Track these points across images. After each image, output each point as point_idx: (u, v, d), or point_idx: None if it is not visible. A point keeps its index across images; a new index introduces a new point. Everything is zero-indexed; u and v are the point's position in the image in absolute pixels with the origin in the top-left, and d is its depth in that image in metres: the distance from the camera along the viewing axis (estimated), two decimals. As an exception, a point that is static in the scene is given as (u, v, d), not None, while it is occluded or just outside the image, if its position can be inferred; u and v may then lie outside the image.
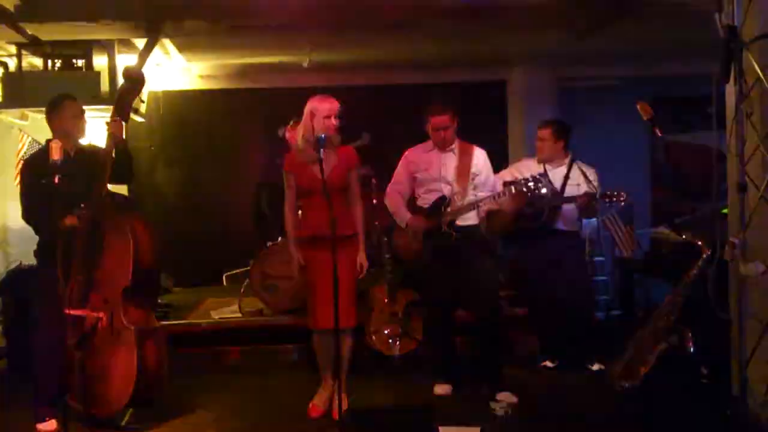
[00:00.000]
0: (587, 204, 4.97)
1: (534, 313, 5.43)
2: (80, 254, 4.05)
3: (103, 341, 4.09)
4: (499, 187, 4.82)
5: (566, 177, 5.15)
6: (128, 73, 4.38)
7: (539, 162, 5.25)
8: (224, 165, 8.11)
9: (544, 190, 4.62)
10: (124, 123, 4.26)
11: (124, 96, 4.33)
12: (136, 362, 4.03)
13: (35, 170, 4.12)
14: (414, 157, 4.78)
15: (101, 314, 4.08)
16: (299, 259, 4.28)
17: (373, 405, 4.49)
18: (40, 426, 4.18)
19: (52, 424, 4.16)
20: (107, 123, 4.25)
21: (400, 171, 4.81)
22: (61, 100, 4.30)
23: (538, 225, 5.08)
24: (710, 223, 4.17)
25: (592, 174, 5.14)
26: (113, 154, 4.19)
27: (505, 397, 4.46)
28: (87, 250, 4.07)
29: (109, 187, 4.41)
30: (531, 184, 4.46)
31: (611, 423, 4.17)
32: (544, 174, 5.15)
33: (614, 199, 4.91)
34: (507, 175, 5.20)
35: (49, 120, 4.31)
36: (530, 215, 5.07)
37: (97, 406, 4.07)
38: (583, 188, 5.06)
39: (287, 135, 6.52)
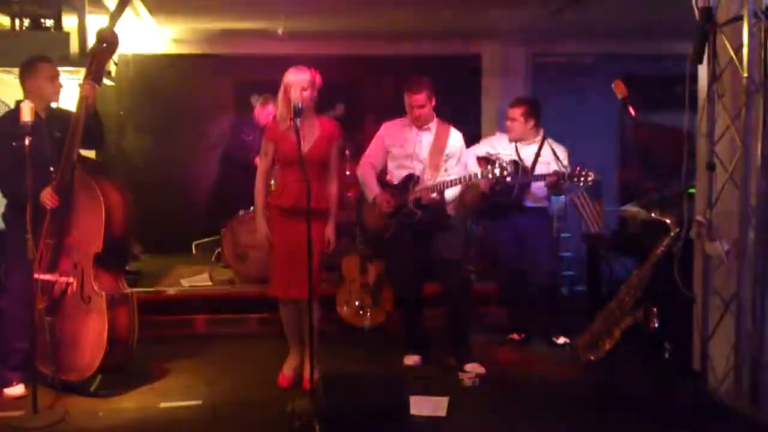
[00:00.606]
0: (555, 183, 5.03)
1: (502, 288, 5.51)
2: (50, 218, 4.00)
3: (73, 307, 4.06)
4: (472, 165, 4.86)
5: (537, 155, 5.19)
6: (102, 36, 4.28)
7: (510, 141, 5.28)
8: (195, 131, 8.00)
9: (509, 179, 4.66)
10: (96, 86, 4.18)
11: (97, 59, 4.24)
12: (107, 328, 4.01)
13: (5, 133, 4.04)
14: (390, 131, 4.78)
15: (71, 279, 4.05)
16: (266, 231, 4.25)
17: (341, 375, 4.52)
18: (7, 391, 4.16)
19: (20, 388, 4.15)
20: (80, 85, 4.16)
21: (375, 144, 4.80)
22: (37, 61, 4.23)
23: (508, 202, 5.12)
24: (678, 201, 4.25)
25: (562, 152, 5.20)
26: (84, 118, 4.11)
27: (473, 368, 4.53)
28: (58, 214, 4.02)
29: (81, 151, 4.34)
30: (497, 171, 4.49)
31: (576, 394, 4.26)
32: (515, 150, 5.19)
33: (582, 178, 4.97)
34: (480, 150, 5.22)
35: (23, 80, 4.22)
36: (500, 192, 5.12)
37: (66, 371, 4.05)
38: (553, 166, 5.11)
39: (256, 111, 6.51)
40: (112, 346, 4.03)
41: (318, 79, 4.21)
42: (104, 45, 4.28)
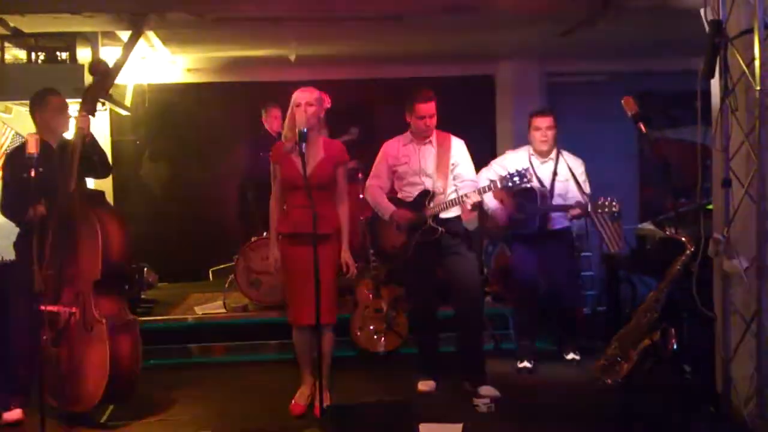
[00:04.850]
0: (579, 216, 4.96)
1: (518, 312, 5.35)
2: (50, 249, 4.01)
3: (77, 336, 4.02)
4: (482, 182, 4.79)
5: (554, 173, 5.09)
6: (95, 68, 4.34)
7: (544, 154, 5.14)
8: (210, 159, 8.05)
9: (529, 185, 4.61)
10: (91, 117, 4.23)
11: (90, 91, 4.30)
12: (109, 356, 3.95)
13: (15, 164, 4.11)
14: (392, 150, 4.75)
15: (74, 309, 4.04)
16: (276, 255, 4.23)
17: (354, 402, 4.45)
18: (5, 415, 4.18)
19: (18, 413, 4.18)
20: (75, 118, 4.23)
21: (379, 164, 4.78)
22: (45, 94, 4.30)
23: (532, 230, 5.04)
24: (695, 218, 4.15)
25: (578, 167, 5.09)
26: (81, 149, 4.14)
27: (488, 392, 4.44)
28: (57, 245, 4.03)
29: (97, 182, 4.40)
30: (516, 179, 4.44)
31: (594, 420, 4.14)
32: (532, 170, 5.07)
33: (606, 209, 4.85)
34: (491, 173, 5.08)
35: (32, 114, 4.31)
36: (523, 222, 5.04)
37: (72, 402, 4.02)
38: (571, 184, 5.01)
39: (266, 123, 6.54)
40: (115, 374, 3.96)
41: (326, 100, 4.20)
42: (97, 77, 4.32)
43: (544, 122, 5.06)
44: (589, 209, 4.89)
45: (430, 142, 4.67)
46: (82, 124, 4.16)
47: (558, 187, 5.06)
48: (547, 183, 5.08)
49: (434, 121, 4.61)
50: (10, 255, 5.52)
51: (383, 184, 4.74)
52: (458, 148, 4.67)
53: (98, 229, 4.03)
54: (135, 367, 4.15)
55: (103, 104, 6.32)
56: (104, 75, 4.35)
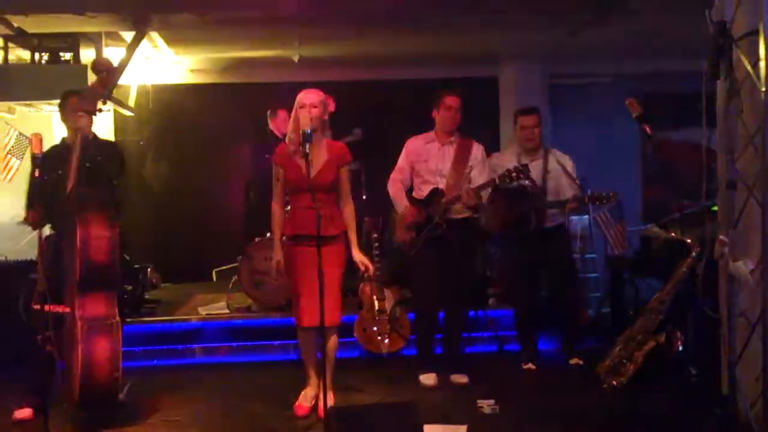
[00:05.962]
0: (576, 209, 4.96)
1: (518, 315, 5.31)
2: (49, 252, 4.02)
3: (69, 335, 4.00)
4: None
5: (545, 171, 5.07)
6: (97, 66, 4.30)
7: (529, 152, 5.10)
8: (214, 159, 8.06)
9: (526, 181, 4.65)
10: (90, 117, 4.17)
11: (92, 89, 4.23)
12: (81, 356, 3.84)
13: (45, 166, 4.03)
14: (414, 146, 4.84)
15: (68, 309, 4.02)
16: (279, 258, 4.21)
17: (358, 403, 4.45)
18: (17, 412, 4.22)
19: (27, 412, 4.21)
20: (74, 118, 4.18)
21: (401, 160, 4.88)
22: (65, 95, 4.34)
23: (529, 230, 5.02)
24: (700, 220, 4.14)
25: (568, 161, 5.08)
26: (81, 150, 4.06)
27: (457, 378, 4.66)
28: (56, 247, 4.06)
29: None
30: (514, 174, 4.55)
31: (599, 421, 4.12)
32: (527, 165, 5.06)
33: (603, 201, 4.86)
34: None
35: (60, 114, 4.37)
36: (519, 222, 5.02)
37: (66, 399, 4.05)
38: (563, 180, 5.00)
39: (272, 126, 6.53)
40: (92, 377, 3.87)
41: (330, 102, 4.20)
42: (103, 74, 4.25)
43: (530, 121, 5.10)
44: (587, 200, 4.90)
45: (451, 143, 4.76)
46: (80, 123, 4.09)
47: (550, 185, 5.05)
48: (538, 181, 5.05)
49: (460, 115, 4.72)
50: (13, 255, 5.58)
51: (404, 178, 4.85)
52: (478, 153, 4.80)
53: (77, 229, 3.94)
54: (114, 370, 3.95)
55: (105, 103, 6.29)
56: (108, 73, 4.29)
